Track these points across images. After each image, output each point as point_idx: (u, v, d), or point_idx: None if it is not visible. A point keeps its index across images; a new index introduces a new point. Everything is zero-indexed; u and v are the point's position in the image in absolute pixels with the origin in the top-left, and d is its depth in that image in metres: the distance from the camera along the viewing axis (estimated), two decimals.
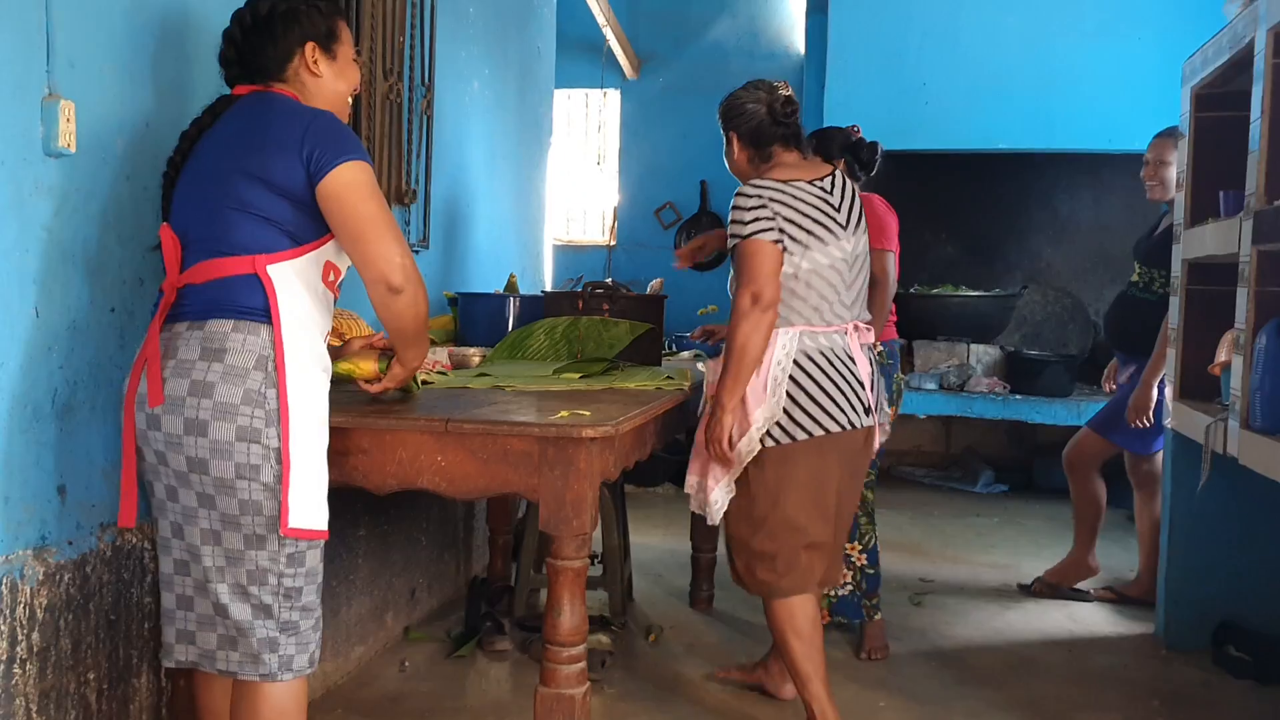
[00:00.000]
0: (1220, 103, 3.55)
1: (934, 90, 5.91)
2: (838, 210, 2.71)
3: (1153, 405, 3.93)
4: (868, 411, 2.75)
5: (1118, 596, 4.23)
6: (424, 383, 2.76)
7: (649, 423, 2.59)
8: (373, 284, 2.02)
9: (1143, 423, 3.96)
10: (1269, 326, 2.79)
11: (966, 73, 5.91)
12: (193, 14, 2.45)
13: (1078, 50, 5.80)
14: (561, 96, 7.36)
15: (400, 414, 2.26)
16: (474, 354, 3.21)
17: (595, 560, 3.81)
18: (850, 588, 3.54)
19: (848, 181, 2.81)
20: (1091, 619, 4.06)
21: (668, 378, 2.95)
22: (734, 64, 7.68)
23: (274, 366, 1.93)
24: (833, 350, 2.68)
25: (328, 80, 2.16)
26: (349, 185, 1.97)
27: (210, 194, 1.99)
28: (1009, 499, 6.25)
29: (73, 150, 2.07)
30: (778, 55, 7.57)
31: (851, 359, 2.71)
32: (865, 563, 3.56)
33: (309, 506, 1.96)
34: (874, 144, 3.52)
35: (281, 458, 1.92)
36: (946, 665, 3.54)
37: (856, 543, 3.52)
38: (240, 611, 1.96)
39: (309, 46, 2.13)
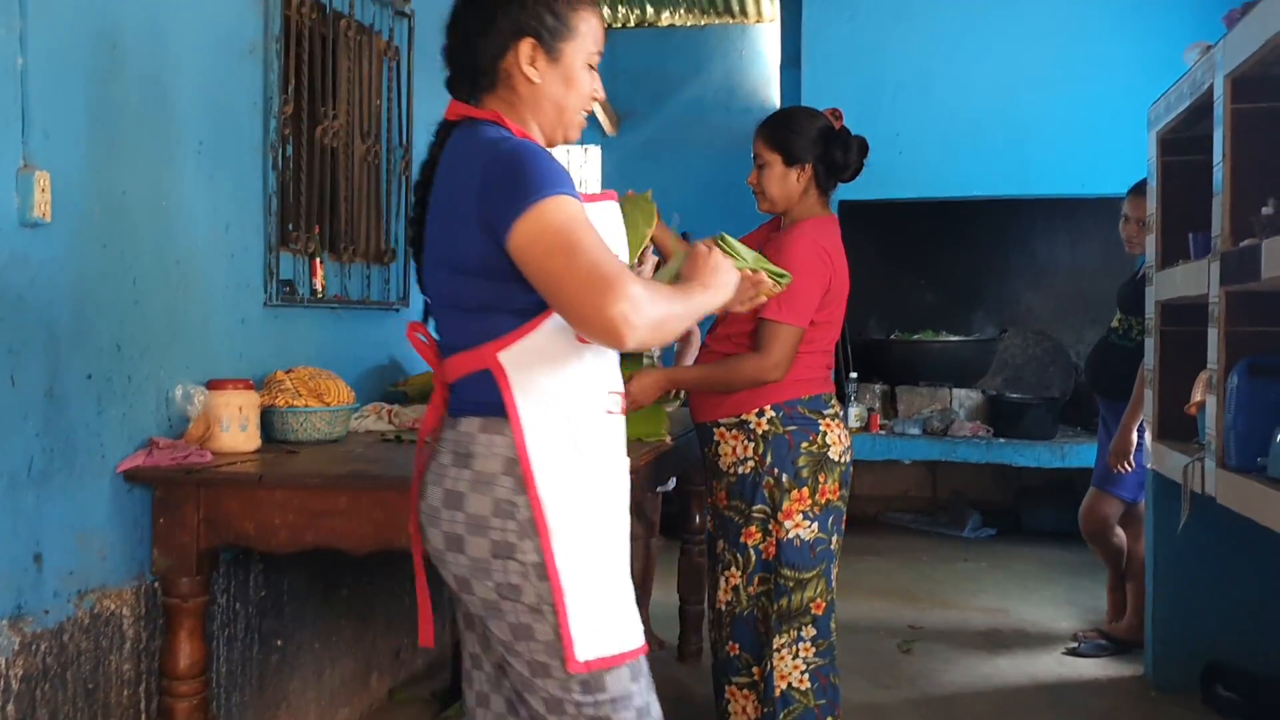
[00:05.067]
0: (1185, 147, 3.61)
1: (907, 140, 5.99)
2: None
3: (1133, 449, 3.95)
4: None
5: (1104, 637, 4.22)
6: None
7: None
8: (594, 340, 1.62)
9: (1124, 467, 3.98)
10: (1240, 366, 2.83)
11: (939, 122, 6.00)
12: (168, 83, 2.49)
13: (1048, 98, 5.90)
14: None
15: (376, 473, 2.26)
16: None
17: None
18: None
19: None
20: (1080, 662, 4.05)
21: (648, 428, 2.92)
22: (711, 118, 7.77)
23: (520, 470, 1.63)
24: None
25: (548, 88, 1.72)
26: (528, 245, 1.54)
27: (436, 291, 1.73)
28: (997, 542, 6.24)
29: (48, 220, 2.09)
30: (754, 109, 7.64)
31: None
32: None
33: (600, 629, 1.64)
34: (859, 138, 2.74)
35: (546, 574, 1.61)
36: (936, 712, 3.53)
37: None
38: None
39: (526, 43, 1.69)
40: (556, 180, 1.57)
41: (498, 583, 1.63)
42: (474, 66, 1.72)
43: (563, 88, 1.73)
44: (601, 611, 1.65)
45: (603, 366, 1.71)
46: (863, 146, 2.72)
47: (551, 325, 1.63)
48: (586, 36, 1.74)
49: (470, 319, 1.66)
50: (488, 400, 1.64)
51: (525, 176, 1.56)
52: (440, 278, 1.69)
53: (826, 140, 2.69)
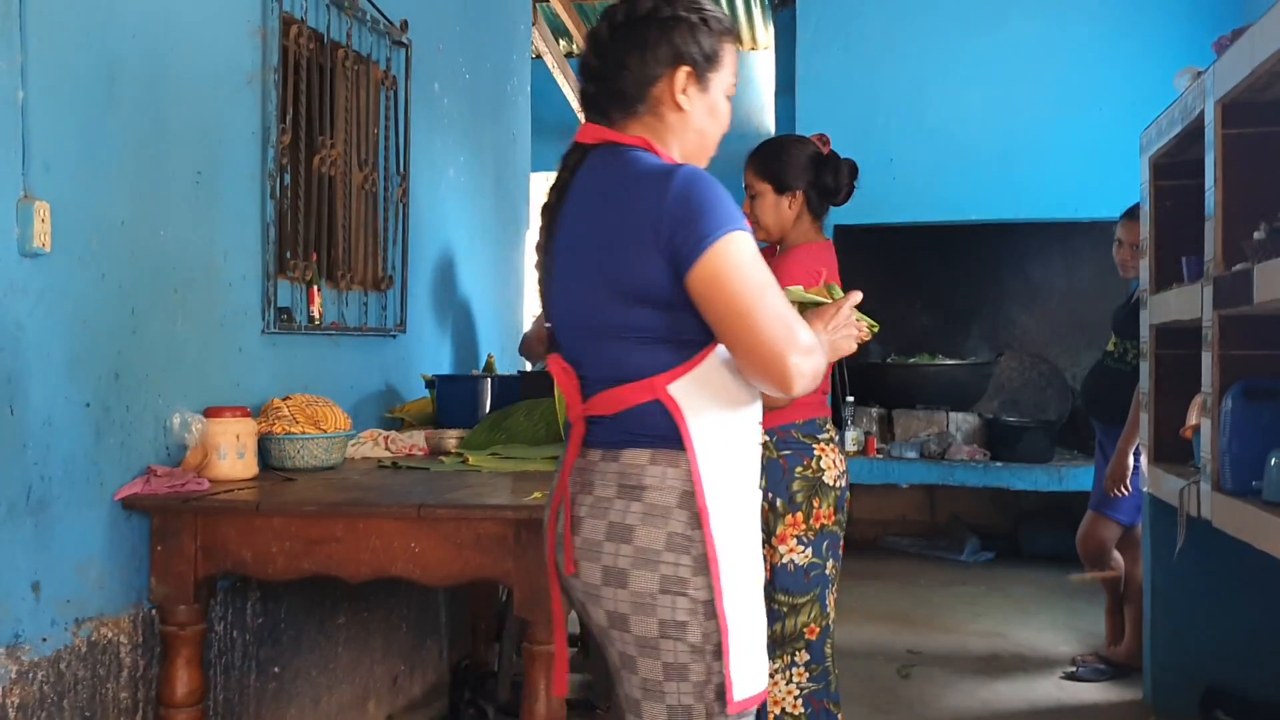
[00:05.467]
0: (1177, 171, 3.63)
1: (901, 165, 6.03)
2: None
3: (1129, 474, 3.96)
4: None
5: (1102, 661, 4.22)
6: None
7: None
8: (760, 383, 1.60)
9: (1120, 491, 3.99)
10: (1234, 389, 2.84)
11: (933, 147, 6.04)
12: (167, 114, 2.51)
13: (1040, 122, 5.94)
14: (539, 180, 7.45)
15: (373, 500, 2.27)
16: (451, 437, 3.22)
17: (577, 642, 3.79)
18: None
19: None
20: (1079, 687, 4.04)
21: None
22: None
23: (696, 503, 1.59)
24: None
25: (695, 117, 1.73)
26: (712, 282, 1.53)
27: (588, 319, 1.66)
28: (995, 566, 6.24)
29: (48, 250, 2.10)
30: (748, 135, 7.69)
31: None
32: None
33: (751, 671, 1.61)
34: (848, 162, 2.76)
35: (715, 613, 1.58)
36: None
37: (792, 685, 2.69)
38: None
39: (682, 71, 1.69)
40: (735, 213, 1.57)
41: (662, 620, 1.58)
42: (621, 90, 1.71)
43: (708, 117, 1.74)
44: (753, 651, 1.62)
45: (756, 399, 1.69)
46: (852, 169, 2.74)
47: (717, 358, 1.62)
48: (728, 67, 1.76)
49: (639, 349, 1.62)
50: (658, 432, 1.61)
51: (708, 209, 1.55)
52: (599, 306, 1.63)
53: (816, 166, 2.72)
